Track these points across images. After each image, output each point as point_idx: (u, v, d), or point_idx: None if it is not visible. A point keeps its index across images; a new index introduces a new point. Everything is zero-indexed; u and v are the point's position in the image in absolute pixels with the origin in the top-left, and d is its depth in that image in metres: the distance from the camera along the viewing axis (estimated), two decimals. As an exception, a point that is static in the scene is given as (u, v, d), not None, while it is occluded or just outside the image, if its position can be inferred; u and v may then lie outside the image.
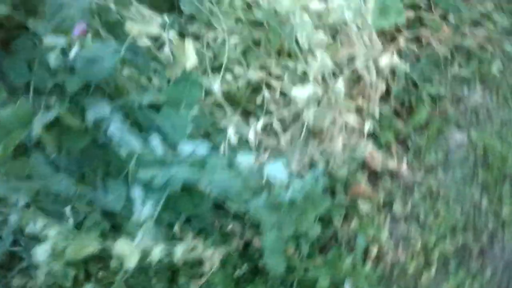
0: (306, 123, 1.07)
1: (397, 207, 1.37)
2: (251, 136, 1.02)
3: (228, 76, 1.16)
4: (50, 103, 0.77)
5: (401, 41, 1.34)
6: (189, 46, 0.97)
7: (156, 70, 0.95)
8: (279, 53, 1.23)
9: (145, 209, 0.76)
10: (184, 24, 1.12)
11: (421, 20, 1.46)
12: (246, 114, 1.21)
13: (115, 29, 0.87)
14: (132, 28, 0.86)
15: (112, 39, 0.86)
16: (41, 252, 0.75)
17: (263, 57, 1.22)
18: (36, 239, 0.77)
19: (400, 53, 1.37)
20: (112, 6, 0.86)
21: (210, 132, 1.11)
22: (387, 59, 1.16)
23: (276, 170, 0.88)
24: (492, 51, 1.52)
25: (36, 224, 0.76)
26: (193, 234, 1.14)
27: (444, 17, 1.49)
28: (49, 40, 0.74)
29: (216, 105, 1.08)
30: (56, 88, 0.77)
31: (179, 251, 0.90)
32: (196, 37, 1.14)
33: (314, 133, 1.16)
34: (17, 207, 0.78)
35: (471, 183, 1.36)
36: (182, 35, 1.12)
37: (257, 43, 1.24)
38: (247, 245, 1.31)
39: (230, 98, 1.18)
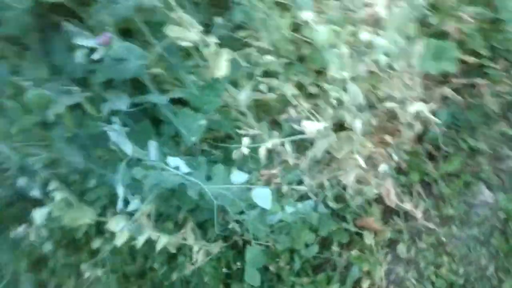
0: (315, 151, 1.08)
1: (402, 248, 1.37)
2: (261, 152, 1.06)
3: (262, 86, 1.19)
4: (76, 89, 0.85)
5: (450, 87, 1.30)
6: (223, 56, 1.01)
7: (189, 72, 1.00)
8: (318, 73, 1.24)
9: (132, 204, 0.84)
10: (232, 30, 1.15)
11: (480, 68, 1.40)
12: (273, 125, 1.24)
13: (156, 29, 0.93)
14: (171, 31, 0.92)
15: (152, 38, 0.92)
16: (40, 215, 0.85)
17: (302, 75, 1.24)
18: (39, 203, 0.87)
19: (445, 98, 1.33)
20: (158, 6, 0.91)
21: (231, 136, 1.16)
22: (421, 106, 1.14)
23: (261, 196, 0.92)
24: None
25: (44, 188, 0.86)
26: (192, 226, 1.22)
27: (507, 71, 1.41)
28: (79, 40, 0.82)
29: (241, 113, 1.12)
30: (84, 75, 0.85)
31: (162, 241, 0.97)
32: (242, 44, 1.18)
33: (328, 160, 1.18)
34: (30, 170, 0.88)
35: (482, 246, 1.32)
36: (226, 40, 1.16)
37: (301, 59, 1.25)
38: (246, 244, 1.38)
39: (259, 108, 1.22)
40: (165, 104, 0.95)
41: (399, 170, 1.39)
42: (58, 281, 1.62)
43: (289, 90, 1.21)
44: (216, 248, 1.29)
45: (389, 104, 1.15)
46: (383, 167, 1.18)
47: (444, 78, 1.33)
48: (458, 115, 1.40)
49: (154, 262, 1.42)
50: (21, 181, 0.92)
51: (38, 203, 0.90)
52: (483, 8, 1.32)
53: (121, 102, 0.89)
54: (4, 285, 1.63)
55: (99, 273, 1.44)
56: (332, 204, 1.23)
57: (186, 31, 0.93)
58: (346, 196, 1.28)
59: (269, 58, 1.17)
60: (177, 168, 0.87)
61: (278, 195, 1.12)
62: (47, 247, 1.48)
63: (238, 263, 1.33)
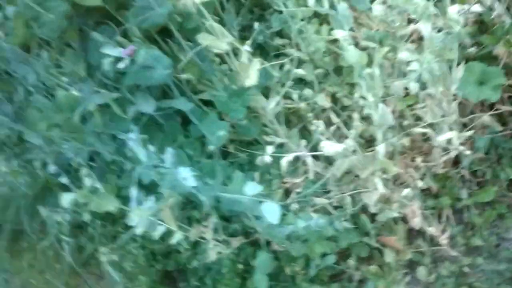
0: (334, 170, 1.08)
1: (422, 271, 1.34)
2: (283, 162, 1.08)
3: (294, 95, 1.20)
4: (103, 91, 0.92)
5: (493, 112, 1.24)
6: (254, 66, 1.03)
7: (219, 78, 1.04)
8: (354, 85, 1.23)
9: (145, 204, 0.89)
10: (270, 36, 1.17)
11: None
12: (304, 133, 1.25)
13: (189, 35, 0.97)
14: (203, 39, 0.95)
15: (184, 43, 0.96)
16: (66, 200, 0.93)
17: (337, 86, 1.24)
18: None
19: (484, 125, 1.27)
20: (195, 13, 0.95)
21: (258, 141, 1.19)
22: (451, 135, 1.10)
23: (270, 211, 0.94)
24: None
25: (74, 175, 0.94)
26: (214, 219, 1.26)
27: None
28: (106, 49, 0.87)
29: (269, 120, 1.14)
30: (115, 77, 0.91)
31: (176, 237, 1.03)
32: (277, 51, 1.19)
33: (352, 176, 1.17)
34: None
35: (508, 285, 1.27)
36: (261, 46, 1.18)
37: (337, 71, 1.25)
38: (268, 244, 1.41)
39: (290, 116, 1.23)
40: (191, 109, 1.00)
41: (429, 193, 1.36)
42: (94, 247, 1.75)
43: (322, 100, 1.22)
44: (236, 242, 1.34)
45: (420, 130, 1.13)
46: (407, 191, 1.16)
47: (486, 103, 1.27)
48: (499, 142, 1.34)
49: (180, 245, 1.49)
50: (52, 168, 1.01)
51: (67, 188, 0.98)
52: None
53: (148, 106, 0.94)
54: (48, 245, 1.78)
55: (130, 247, 1.54)
56: (351, 222, 1.23)
57: (217, 40, 0.96)
58: (369, 213, 1.28)
59: (302, 69, 1.18)
60: (184, 179, 0.91)
61: (297, 207, 1.14)
62: (86, 216, 1.59)
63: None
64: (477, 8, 1.19)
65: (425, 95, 1.12)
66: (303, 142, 1.21)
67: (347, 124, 1.20)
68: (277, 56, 1.22)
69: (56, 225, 1.62)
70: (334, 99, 1.24)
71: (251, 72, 1.02)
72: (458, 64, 1.13)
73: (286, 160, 1.08)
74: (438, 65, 1.05)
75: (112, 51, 0.89)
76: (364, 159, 1.10)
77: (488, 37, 1.29)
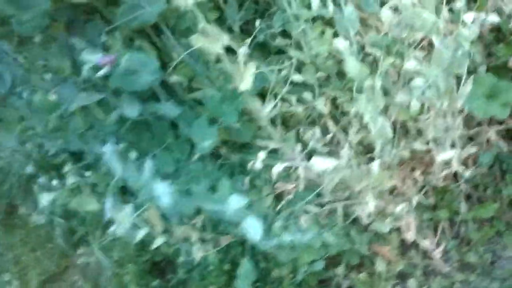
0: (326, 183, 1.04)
1: (412, 284, 1.31)
2: (275, 170, 1.04)
3: (293, 98, 1.15)
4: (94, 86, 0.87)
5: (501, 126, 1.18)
6: (250, 70, 0.98)
7: (212, 80, 0.99)
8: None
9: (122, 212, 0.86)
10: (271, 37, 1.11)
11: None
12: (301, 137, 1.21)
13: (183, 37, 0.91)
14: (197, 41, 0.90)
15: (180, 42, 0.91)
16: (46, 199, 0.90)
17: (339, 91, 1.18)
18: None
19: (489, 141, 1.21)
20: (188, 13, 0.89)
21: (251, 144, 1.15)
22: (451, 154, 1.05)
23: (252, 227, 0.91)
24: None
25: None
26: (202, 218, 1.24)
27: None
28: (86, 56, 0.82)
29: (264, 125, 1.10)
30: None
31: (157, 242, 1.01)
32: (278, 52, 1.13)
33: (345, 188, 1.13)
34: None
35: (498, 304, 1.24)
36: (262, 45, 1.12)
37: (339, 75, 1.19)
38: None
39: (286, 119, 1.18)
40: (180, 113, 0.95)
41: (427, 204, 1.31)
42: (86, 230, 1.74)
43: (321, 105, 1.17)
44: (224, 241, 1.31)
45: (420, 145, 1.07)
46: (403, 206, 1.12)
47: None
48: (504, 157, 1.28)
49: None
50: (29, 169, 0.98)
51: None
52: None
53: (132, 109, 0.90)
54: (40, 224, 1.78)
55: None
56: (343, 231, 1.19)
57: (211, 42, 0.91)
58: (362, 223, 1.24)
59: (303, 72, 1.12)
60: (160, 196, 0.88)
61: (287, 214, 1.11)
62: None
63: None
64: (494, 18, 1.12)
65: (429, 107, 1.06)
66: (299, 147, 1.16)
67: (346, 131, 1.15)
68: (279, 54, 1.17)
69: (48, 205, 1.59)
70: (334, 104, 1.19)
71: (246, 75, 0.97)
72: (467, 78, 1.07)
73: (277, 169, 1.04)
74: (445, 80, 0.99)
75: (93, 57, 0.84)
76: (358, 173, 1.05)
77: (503, 47, 1.22)
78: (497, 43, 1.26)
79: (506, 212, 1.30)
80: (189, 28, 0.93)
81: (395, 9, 1.12)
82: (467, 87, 1.05)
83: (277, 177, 1.10)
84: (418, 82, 0.96)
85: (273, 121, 1.13)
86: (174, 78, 0.97)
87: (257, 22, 1.12)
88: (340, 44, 0.96)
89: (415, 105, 0.98)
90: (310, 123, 1.17)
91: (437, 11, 0.95)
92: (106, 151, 0.87)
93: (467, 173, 1.24)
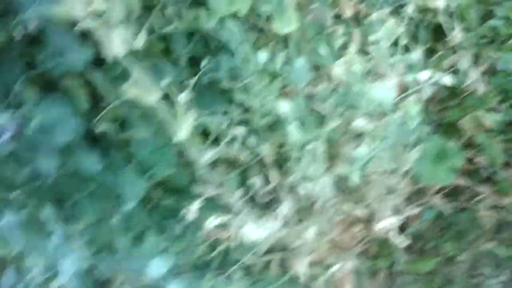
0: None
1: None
2: (207, 225, 0.99)
3: (237, 144, 1.10)
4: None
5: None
6: (189, 118, 0.92)
7: (146, 130, 0.93)
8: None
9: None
10: (218, 79, 1.04)
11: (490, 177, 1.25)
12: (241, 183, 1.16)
13: (114, 82, 0.84)
14: (130, 90, 0.83)
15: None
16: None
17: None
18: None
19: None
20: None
21: (187, 188, 1.09)
22: (389, 223, 1.02)
23: (156, 267, 0.86)
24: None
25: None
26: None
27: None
28: None
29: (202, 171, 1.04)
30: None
31: None
32: (224, 94, 1.07)
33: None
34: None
35: None
36: (208, 86, 1.06)
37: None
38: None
39: (229, 164, 1.13)
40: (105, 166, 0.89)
41: (366, 254, 1.30)
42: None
43: (266, 152, 1.12)
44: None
45: (361, 210, 1.05)
46: (338, 266, 1.09)
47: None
48: (447, 216, 1.27)
49: None
50: None
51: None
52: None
53: (48, 165, 0.82)
54: None
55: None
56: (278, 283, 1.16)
57: (145, 93, 0.84)
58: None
59: (250, 116, 1.07)
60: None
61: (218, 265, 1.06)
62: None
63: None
64: (448, 80, 1.09)
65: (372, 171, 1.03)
66: (239, 194, 1.12)
67: (289, 183, 1.11)
68: (225, 95, 1.11)
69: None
70: (280, 152, 1.14)
71: (184, 125, 0.91)
72: (416, 143, 1.04)
73: (211, 221, 0.99)
74: (392, 149, 0.95)
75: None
76: (296, 231, 1.02)
77: (454, 110, 1.20)
78: (450, 99, 1.24)
79: (443, 268, 1.30)
80: (121, 75, 0.85)
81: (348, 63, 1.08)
82: (413, 154, 1.02)
83: (212, 226, 1.05)
84: (361, 152, 0.92)
85: (213, 165, 1.08)
86: (102, 127, 0.90)
87: (204, 61, 1.06)
88: (283, 108, 0.91)
89: (356, 178, 0.94)
90: (253, 170, 1.11)
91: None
92: (3, 225, 0.79)
93: (409, 228, 1.23)
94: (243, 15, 1.00)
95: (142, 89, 0.84)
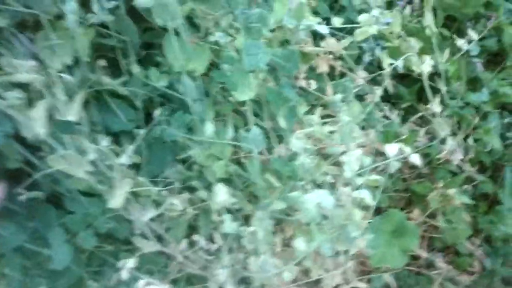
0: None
1: None
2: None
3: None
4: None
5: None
6: (124, 187, 0.86)
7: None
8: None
9: None
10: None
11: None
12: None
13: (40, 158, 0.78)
14: (56, 163, 0.77)
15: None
16: None
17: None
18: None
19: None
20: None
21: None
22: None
23: None
24: None
25: None
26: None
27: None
28: None
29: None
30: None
31: None
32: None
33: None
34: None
35: None
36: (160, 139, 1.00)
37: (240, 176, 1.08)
38: None
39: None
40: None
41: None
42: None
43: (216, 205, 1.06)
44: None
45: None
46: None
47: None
48: (403, 276, 1.22)
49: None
50: None
51: None
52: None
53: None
54: None
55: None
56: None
57: (73, 166, 0.78)
58: None
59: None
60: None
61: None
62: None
63: None
64: (416, 159, 1.01)
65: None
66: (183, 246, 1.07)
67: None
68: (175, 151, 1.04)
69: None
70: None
71: (118, 193, 0.86)
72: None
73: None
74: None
75: None
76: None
77: (423, 184, 1.13)
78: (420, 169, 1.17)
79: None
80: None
81: (309, 137, 1.00)
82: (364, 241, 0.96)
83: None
84: (300, 245, 0.86)
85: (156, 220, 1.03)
86: (31, 194, 0.84)
87: (157, 112, 0.99)
88: (221, 196, 0.85)
89: (287, 277, 0.89)
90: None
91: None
92: None
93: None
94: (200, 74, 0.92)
95: (69, 162, 0.78)
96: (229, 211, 0.98)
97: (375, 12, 0.89)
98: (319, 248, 0.87)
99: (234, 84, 0.88)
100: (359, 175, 0.95)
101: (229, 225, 0.87)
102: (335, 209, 0.83)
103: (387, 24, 0.90)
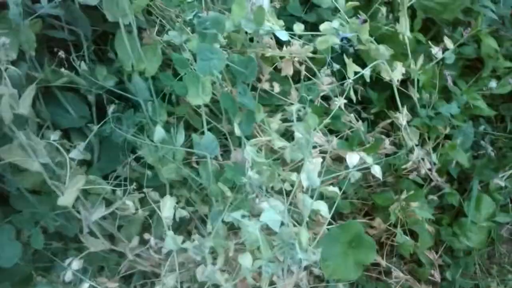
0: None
1: None
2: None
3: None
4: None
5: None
6: (75, 184, 0.83)
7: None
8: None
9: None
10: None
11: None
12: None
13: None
14: (9, 155, 0.73)
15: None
16: None
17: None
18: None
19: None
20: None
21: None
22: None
23: None
24: None
25: None
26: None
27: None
28: None
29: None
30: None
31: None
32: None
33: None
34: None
35: None
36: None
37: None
38: None
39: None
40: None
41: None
42: None
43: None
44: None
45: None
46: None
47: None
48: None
49: None
50: None
51: None
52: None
53: None
54: None
55: None
56: None
57: (28, 159, 0.74)
58: None
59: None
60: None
61: None
62: None
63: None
64: (377, 171, 0.98)
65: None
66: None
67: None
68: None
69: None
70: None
71: (68, 191, 0.82)
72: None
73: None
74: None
75: None
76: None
77: (385, 194, 1.10)
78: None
79: None
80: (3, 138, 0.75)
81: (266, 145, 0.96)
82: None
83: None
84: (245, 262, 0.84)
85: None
86: None
87: (110, 108, 0.94)
88: (166, 212, 0.82)
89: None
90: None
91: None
92: None
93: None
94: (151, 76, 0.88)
95: (25, 155, 0.75)
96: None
97: (335, 23, 0.83)
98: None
99: (183, 88, 0.84)
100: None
101: (171, 242, 0.84)
102: (283, 228, 0.80)
103: (346, 38, 0.85)
